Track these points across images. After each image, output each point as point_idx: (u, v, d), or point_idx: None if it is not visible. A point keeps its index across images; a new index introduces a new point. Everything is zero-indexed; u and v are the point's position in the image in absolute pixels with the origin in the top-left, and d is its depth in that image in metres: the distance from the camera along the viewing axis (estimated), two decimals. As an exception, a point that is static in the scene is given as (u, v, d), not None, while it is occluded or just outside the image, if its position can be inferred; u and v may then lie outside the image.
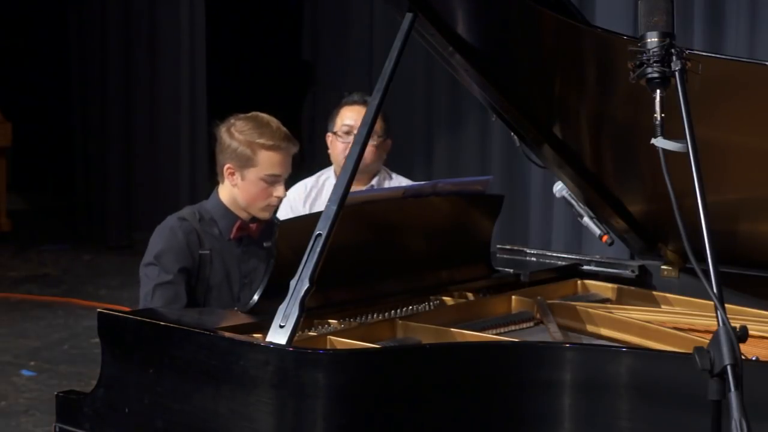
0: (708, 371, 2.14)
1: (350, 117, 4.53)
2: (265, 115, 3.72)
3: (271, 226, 3.76)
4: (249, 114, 3.71)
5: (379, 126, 4.47)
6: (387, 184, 4.63)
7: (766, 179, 3.31)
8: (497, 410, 2.88)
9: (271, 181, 3.63)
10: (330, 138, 4.59)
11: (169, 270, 3.56)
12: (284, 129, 3.69)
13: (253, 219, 3.70)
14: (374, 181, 4.56)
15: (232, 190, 3.66)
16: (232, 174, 3.65)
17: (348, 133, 4.50)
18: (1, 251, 9.24)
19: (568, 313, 3.50)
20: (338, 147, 4.54)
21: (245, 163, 3.62)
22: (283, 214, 4.53)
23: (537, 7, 3.17)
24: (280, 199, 3.70)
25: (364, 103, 4.54)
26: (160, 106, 9.51)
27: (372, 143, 4.43)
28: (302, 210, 4.55)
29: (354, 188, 4.44)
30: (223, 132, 3.67)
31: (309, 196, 4.59)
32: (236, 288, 3.67)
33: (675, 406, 2.74)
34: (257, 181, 3.62)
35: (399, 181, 4.67)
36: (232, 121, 3.68)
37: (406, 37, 3.20)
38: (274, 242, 3.21)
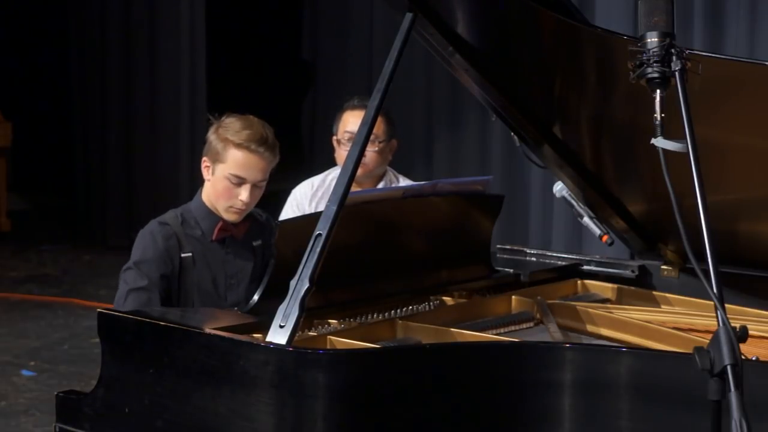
0: (708, 371, 2.15)
1: (352, 123, 4.48)
2: (255, 119, 3.65)
3: (257, 225, 3.74)
4: (243, 115, 3.68)
5: (380, 129, 4.45)
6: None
7: (766, 179, 3.31)
8: (497, 410, 2.88)
9: (235, 182, 3.55)
10: (335, 142, 4.58)
11: (145, 276, 3.53)
12: (267, 135, 3.59)
13: None
14: (380, 185, 4.52)
15: (208, 186, 3.66)
16: (207, 168, 3.63)
17: (350, 140, 4.43)
18: (1, 251, 9.22)
19: (568, 313, 3.50)
20: (342, 154, 4.50)
21: (216, 157, 3.59)
22: (289, 212, 4.53)
23: (537, 7, 3.17)
24: (245, 205, 3.58)
25: (363, 107, 4.46)
26: (160, 106, 9.50)
27: (373, 149, 4.42)
28: (308, 209, 4.53)
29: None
30: (212, 127, 3.66)
31: (315, 195, 4.56)
32: (222, 289, 3.64)
33: (675, 406, 2.75)
34: (222, 178, 3.57)
35: (406, 183, 4.65)
36: (224, 118, 3.67)
37: (406, 37, 3.20)
38: (274, 242, 3.21)
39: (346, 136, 4.48)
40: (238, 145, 3.56)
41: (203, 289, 3.61)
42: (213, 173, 3.61)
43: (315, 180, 4.64)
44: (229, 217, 3.62)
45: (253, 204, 3.62)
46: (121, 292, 3.57)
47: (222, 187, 3.59)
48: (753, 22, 6.31)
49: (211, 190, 3.63)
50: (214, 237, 3.64)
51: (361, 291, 3.40)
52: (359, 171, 4.35)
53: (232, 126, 3.60)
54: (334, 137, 4.58)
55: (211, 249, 3.64)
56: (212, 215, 3.65)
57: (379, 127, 4.44)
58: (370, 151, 4.40)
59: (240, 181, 3.56)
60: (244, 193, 3.56)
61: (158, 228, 3.62)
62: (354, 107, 4.56)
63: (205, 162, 3.64)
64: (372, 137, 4.36)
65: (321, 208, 4.48)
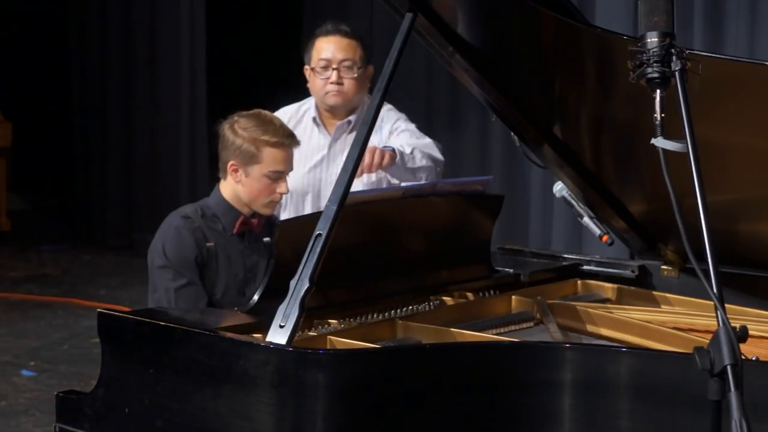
0: (708, 371, 2.15)
1: (326, 50, 4.32)
2: (267, 113, 3.76)
3: (266, 222, 3.78)
4: (252, 111, 3.74)
5: (357, 55, 4.28)
6: (387, 125, 4.34)
7: (766, 179, 3.31)
8: (497, 410, 2.88)
9: (274, 177, 3.65)
10: (308, 71, 4.38)
11: (183, 272, 3.59)
12: (287, 126, 3.75)
13: (255, 214, 3.72)
14: (352, 117, 4.34)
15: (235, 187, 3.69)
16: (236, 171, 3.67)
17: (325, 68, 4.29)
18: (1, 251, 9.23)
19: (568, 313, 3.50)
20: (317, 83, 4.33)
21: (249, 160, 3.65)
22: None
23: (537, 7, 3.17)
24: (282, 195, 3.72)
25: (338, 32, 4.35)
26: (160, 106, 9.50)
27: (351, 76, 4.27)
28: None
29: (334, 122, 4.32)
30: (226, 129, 3.69)
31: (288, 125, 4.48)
32: (241, 283, 3.69)
33: (675, 406, 2.74)
34: (261, 177, 3.65)
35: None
36: (236, 118, 3.71)
37: (406, 37, 3.20)
38: (274, 242, 3.22)
39: (321, 63, 4.29)
40: (274, 144, 3.64)
41: (225, 282, 3.67)
42: (247, 175, 3.66)
43: (289, 110, 4.46)
44: (267, 211, 3.72)
45: None
46: (164, 293, 3.60)
47: (261, 186, 3.66)
48: (753, 22, 6.31)
49: (246, 190, 3.68)
50: (235, 230, 3.70)
51: (361, 291, 3.40)
52: (337, 100, 4.26)
53: (253, 125, 3.67)
54: (307, 67, 4.38)
55: (231, 243, 3.70)
56: (233, 210, 3.70)
57: (356, 53, 4.28)
58: (348, 78, 4.26)
59: (279, 176, 3.66)
60: (283, 185, 3.68)
61: (182, 222, 3.66)
62: (327, 32, 4.38)
63: (233, 166, 3.67)
64: (349, 63, 4.27)
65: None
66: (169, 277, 3.60)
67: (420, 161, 4.17)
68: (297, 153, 4.24)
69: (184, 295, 3.58)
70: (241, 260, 3.70)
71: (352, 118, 4.35)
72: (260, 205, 3.69)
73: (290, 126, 4.42)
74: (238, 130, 3.66)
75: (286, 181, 3.69)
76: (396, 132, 4.31)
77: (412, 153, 4.14)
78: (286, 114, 4.46)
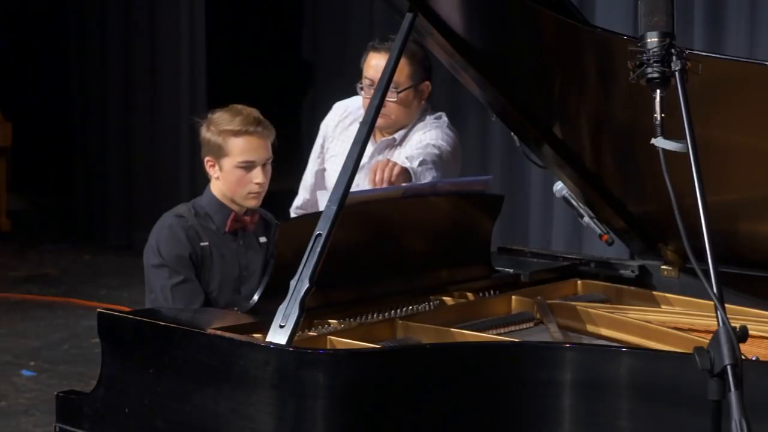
0: (708, 371, 2.15)
1: (371, 67, 4.11)
2: (240, 105, 3.73)
3: (263, 222, 3.80)
4: (226, 106, 3.74)
5: (403, 75, 4.02)
6: (417, 135, 4.16)
7: (766, 179, 3.31)
8: (497, 410, 2.88)
9: (246, 167, 3.64)
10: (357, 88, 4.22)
11: (179, 269, 3.60)
12: (257, 115, 3.67)
13: (247, 211, 3.72)
14: (398, 135, 4.16)
15: (218, 183, 3.69)
16: (213, 166, 3.70)
17: (370, 86, 4.06)
18: (1, 251, 9.22)
19: (568, 313, 3.50)
20: (364, 101, 4.13)
21: (219, 153, 3.66)
22: (327, 124, 4.38)
23: (537, 7, 3.17)
24: (262, 186, 3.65)
25: (384, 49, 4.05)
26: (160, 106, 9.49)
27: (392, 99, 4.01)
28: (332, 133, 4.34)
29: (378, 133, 4.17)
30: (202, 127, 3.72)
31: (342, 122, 4.33)
32: (237, 281, 3.69)
33: (675, 406, 2.75)
34: (233, 169, 3.65)
35: (426, 131, 4.18)
36: (209, 115, 3.72)
37: (406, 37, 3.20)
38: (274, 242, 3.22)
39: (366, 82, 4.12)
40: (237, 133, 3.63)
41: (220, 280, 3.67)
42: (221, 169, 3.67)
43: (350, 104, 4.31)
44: (250, 203, 3.69)
45: (267, 183, 3.68)
46: (160, 291, 3.61)
47: (236, 178, 3.65)
48: (753, 22, 6.30)
49: (224, 185, 3.68)
50: (227, 228, 3.70)
51: (361, 291, 3.40)
52: (380, 121, 3.94)
53: (222, 119, 3.67)
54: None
55: (225, 241, 3.70)
56: (225, 208, 3.70)
57: (401, 73, 3.96)
58: (390, 101, 4.00)
59: (250, 165, 3.63)
60: (258, 176, 3.64)
61: (176, 221, 3.67)
62: (375, 48, 4.16)
63: (209, 162, 3.70)
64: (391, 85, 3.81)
65: (343, 137, 4.25)
66: (165, 275, 3.60)
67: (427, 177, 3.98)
68: (343, 149, 4.08)
69: (180, 292, 3.58)
70: (235, 259, 3.70)
71: (397, 135, 4.19)
72: (241, 197, 3.68)
73: (349, 119, 4.31)
74: (210, 126, 3.69)
75: (263, 170, 3.64)
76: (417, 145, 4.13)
77: (420, 167, 3.97)
78: (347, 106, 4.35)
